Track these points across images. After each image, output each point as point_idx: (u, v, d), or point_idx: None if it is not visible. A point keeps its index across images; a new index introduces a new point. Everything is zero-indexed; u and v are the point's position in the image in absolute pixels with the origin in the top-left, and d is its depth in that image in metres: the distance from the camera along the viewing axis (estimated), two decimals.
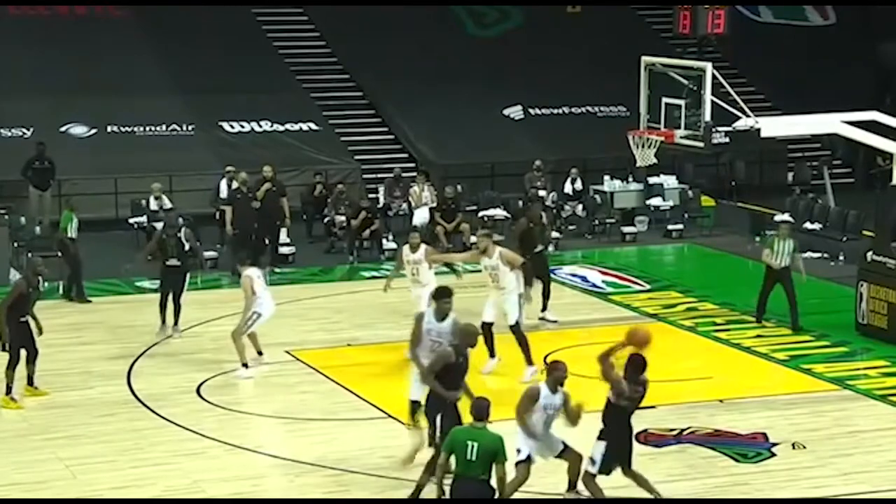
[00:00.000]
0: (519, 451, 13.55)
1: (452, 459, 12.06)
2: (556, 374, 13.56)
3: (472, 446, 11.65)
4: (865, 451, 15.57)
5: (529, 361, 18.15)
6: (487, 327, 18.42)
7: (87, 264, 23.44)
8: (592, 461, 13.64)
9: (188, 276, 20.67)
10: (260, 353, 18.77)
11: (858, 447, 15.69)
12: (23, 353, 17.32)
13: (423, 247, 19.14)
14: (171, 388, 17.97)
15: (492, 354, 18.42)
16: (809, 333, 20.42)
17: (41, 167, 27.97)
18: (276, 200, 25.54)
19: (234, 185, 27.51)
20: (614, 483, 14.47)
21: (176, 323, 20.57)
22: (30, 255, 24.83)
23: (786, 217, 27.10)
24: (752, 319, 21.32)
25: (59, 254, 22.96)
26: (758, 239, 27.55)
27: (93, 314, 21.99)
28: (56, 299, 22.72)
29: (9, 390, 17.26)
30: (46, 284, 23.60)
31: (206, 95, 31.97)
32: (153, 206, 26.70)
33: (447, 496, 12.03)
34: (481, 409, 11.95)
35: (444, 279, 19.15)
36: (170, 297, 20.43)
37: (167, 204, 26.83)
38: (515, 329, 18.35)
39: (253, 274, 18.61)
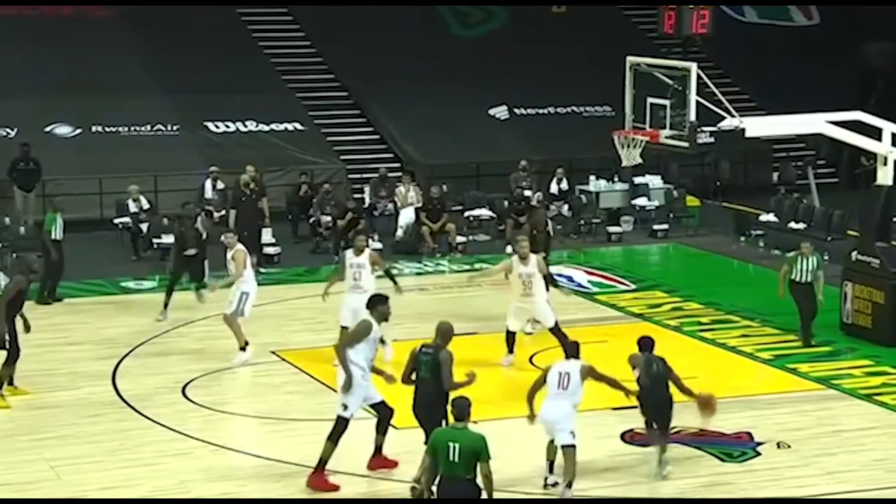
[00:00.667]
0: (573, 433, 14.17)
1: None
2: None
3: (454, 447, 11.66)
4: (849, 450, 15.62)
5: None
6: (511, 336, 18.79)
7: (73, 265, 23.40)
8: None
9: (205, 262, 22.04)
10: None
11: (842, 446, 15.74)
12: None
13: (367, 251, 18.83)
14: (156, 388, 17.96)
15: (510, 350, 18.87)
16: (794, 333, 20.45)
17: (26, 168, 27.93)
18: (258, 200, 25.51)
19: (221, 185, 27.59)
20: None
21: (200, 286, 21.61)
22: (14, 255, 24.81)
23: (765, 223, 27.20)
24: (738, 319, 21.40)
25: (41, 254, 22.76)
26: (743, 239, 27.63)
27: (79, 314, 21.95)
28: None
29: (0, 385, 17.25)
30: (32, 285, 23.62)
31: (191, 95, 31.93)
32: (132, 207, 26.63)
33: (433, 497, 12.03)
34: (462, 409, 11.96)
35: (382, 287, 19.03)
36: (177, 284, 21.60)
37: (145, 205, 26.80)
38: (556, 330, 18.63)
39: (244, 249, 19.03)
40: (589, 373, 14.46)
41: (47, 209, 23.69)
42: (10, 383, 17.50)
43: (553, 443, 14.37)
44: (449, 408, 12.55)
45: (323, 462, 14.47)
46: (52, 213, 23.03)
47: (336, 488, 14.42)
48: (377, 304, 14.64)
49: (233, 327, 18.91)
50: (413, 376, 14.22)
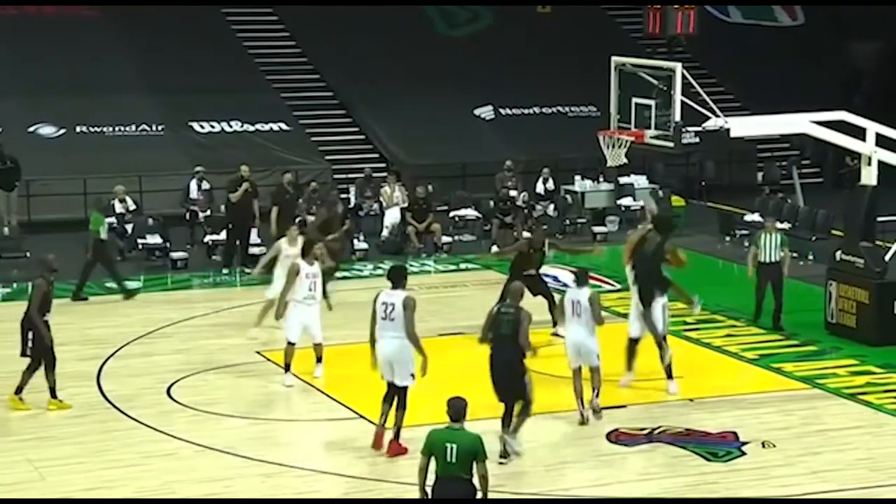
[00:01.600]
0: (598, 356, 16.22)
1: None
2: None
3: (451, 448, 11.63)
4: (834, 449, 15.65)
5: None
6: (633, 343, 17.77)
7: (57, 265, 23.25)
8: None
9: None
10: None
11: (827, 445, 15.77)
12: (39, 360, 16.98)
13: (316, 262, 17.86)
14: (141, 389, 17.91)
15: (629, 367, 17.88)
16: (779, 332, 20.51)
17: (4, 167, 27.76)
18: (249, 201, 25.41)
19: (206, 185, 27.52)
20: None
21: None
22: None
23: (750, 223, 27.27)
24: (723, 319, 21.42)
25: (91, 255, 22.57)
26: (728, 238, 27.66)
27: (63, 315, 21.78)
28: (23, 301, 22.59)
29: (19, 390, 17.01)
30: (15, 285, 23.56)
31: (176, 95, 31.90)
32: (118, 208, 26.51)
33: (429, 497, 11.98)
34: (458, 410, 11.94)
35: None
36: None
37: (132, 206, 26.71)
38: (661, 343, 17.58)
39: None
40: (596, 300, 16.23)
41: (90, 211, 23.33)
42: (53, 396, 17.03)
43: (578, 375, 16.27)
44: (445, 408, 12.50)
45: (399, 429, 15.16)
46: (98, 214, 22.88)
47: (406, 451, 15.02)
48: (406, 275, 15.42)
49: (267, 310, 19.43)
50: (490, 335, 15.27)
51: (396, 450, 15.16)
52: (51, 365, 16.99)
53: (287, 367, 17.81)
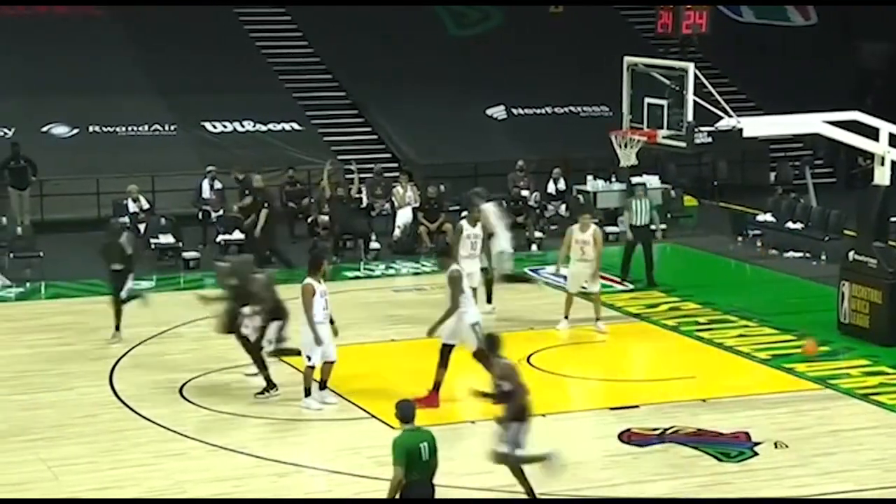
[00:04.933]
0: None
1: None
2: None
3: (424, 447, 11.64)
4: (847, 450, 15.61)
5: None
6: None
7: (69, 265, 23.31)
8: None
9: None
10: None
11: (840, 446, 15.72)
12: None
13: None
14: (153, 388, 17.92)
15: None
16: (791, 333, 20.46)
17: (17, 167, 27.83)
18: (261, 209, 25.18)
19: (218, 185, 27.49)
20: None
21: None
22: (11, 255, 24.74)
23: (762, 223, 27.16)
24: (735, 319, 21.38)
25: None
26: (740, 239, 27.61)
27: (75, 315, 21.91)
28: (36, 300, 22.70)
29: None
30: (28, 285, 23.61)
31: (188, 95, 31.92)
32: (132, 207, 26.53)
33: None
34: (407, 411, 11.87)
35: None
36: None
37: (145, 205, 26.73)
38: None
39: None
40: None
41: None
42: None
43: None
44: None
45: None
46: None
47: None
48: None
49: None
50: None
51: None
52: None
53: (308, 391, 17.03)
